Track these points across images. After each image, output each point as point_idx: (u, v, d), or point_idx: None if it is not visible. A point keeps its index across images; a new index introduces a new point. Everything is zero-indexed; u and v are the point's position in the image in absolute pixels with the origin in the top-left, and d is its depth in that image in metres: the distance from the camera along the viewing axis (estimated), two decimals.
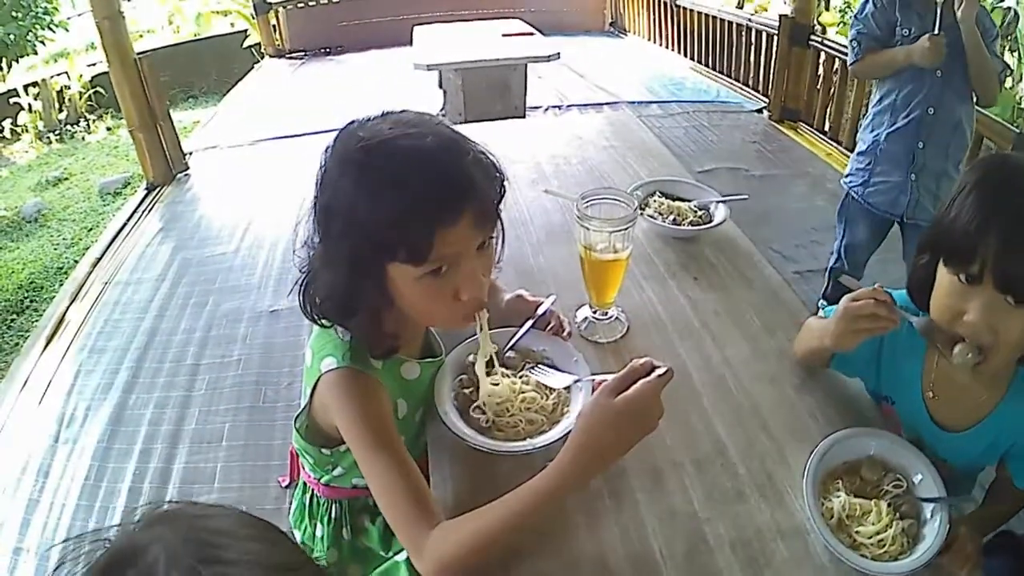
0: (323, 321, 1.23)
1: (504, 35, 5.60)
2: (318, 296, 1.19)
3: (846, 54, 3.04)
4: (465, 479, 1.27)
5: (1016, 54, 7.06)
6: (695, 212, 2.00)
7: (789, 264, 3.78)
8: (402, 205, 1.05)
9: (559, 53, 5.05)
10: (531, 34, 5.64)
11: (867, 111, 2.97)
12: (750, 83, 6.74)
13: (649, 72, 7.39)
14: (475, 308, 1.22)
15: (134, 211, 4.92)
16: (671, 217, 1.96)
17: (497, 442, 1.27)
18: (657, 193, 2.08)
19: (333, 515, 1.50)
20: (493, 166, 1.18)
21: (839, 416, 1.39)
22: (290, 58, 8.31)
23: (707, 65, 7.47)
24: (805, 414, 1.40)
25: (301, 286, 1.21)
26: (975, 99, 2.73)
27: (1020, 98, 6.88)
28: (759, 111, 6.26)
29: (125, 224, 4.77)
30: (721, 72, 7.21)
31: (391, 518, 1.12)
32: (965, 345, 1.18)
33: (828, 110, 5.59)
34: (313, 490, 1.52)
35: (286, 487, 2.37)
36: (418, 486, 1.13)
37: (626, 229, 1.46)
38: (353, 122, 1.15)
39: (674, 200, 2.05)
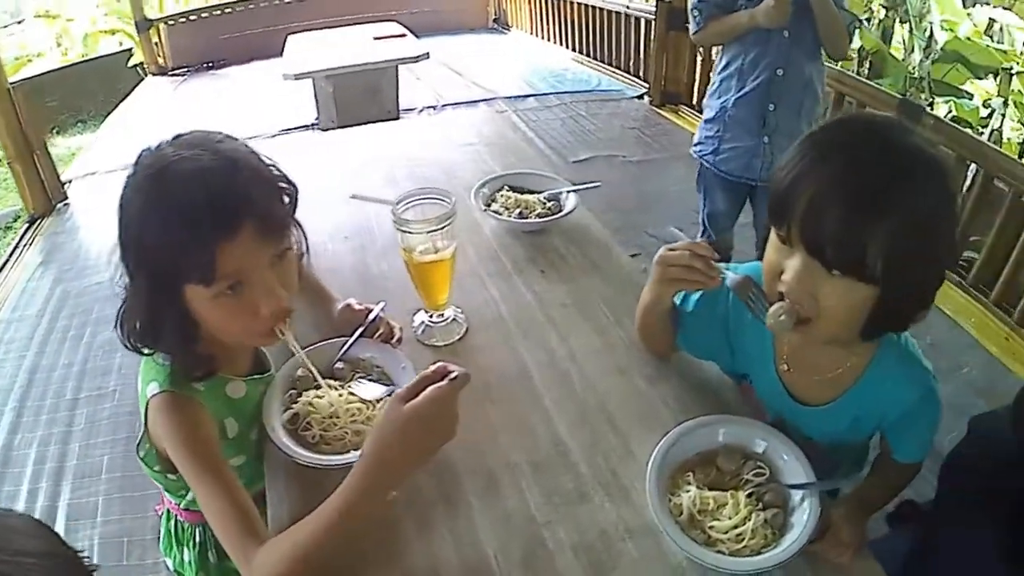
0: (142, 349, 1.21)
1: (376, 38, 5.59)
2: (127, 325, 1.18)
3: None
4: (299, 495, 1.23)
5: (907, 25, 7.31)
6: (543, 204, 1.97)
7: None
8: (181, 226, 1.05)
9: (428, 53, 5.07)
10: (403, 35, 5.65)
11: (712, 78, 2.92)
12: (631, 70, 6.85)
13: (530, 66, 7.45)
14: (278, 321, 1.19)
15: (16, 246, 4.78)
16: (517, 211, 1.93)
17: (324, 456, 1.24)
18: (505, 187, 2.04)
19: (198, 539, 1.50)
20: (278, 179, 1.19)
21: (696, 403, 1.37)
22: (173, 75, 8.09)
23: (589, 55, 7.57)
24: (658, 403, 1.38)
25: (118, 317, 1.19)
26: (824, 54, 2.71)
27: (912, 68, 7.11)
28: (640, 97, 6.35)
29: (7, 260, 4.62)
30: (603, 61, 7.31)
31: (222, 540, 1.12)
32: (779, 305, 1.11)
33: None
34: (176, 516, 1.51)
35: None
36: (244, 507, 1.12)
37: (444, 228, 1.42)
38: (145, 150, 1.13)
39: (523, 193, 2.01)
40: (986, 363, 3.28)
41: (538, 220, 1.91)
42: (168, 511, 1.54)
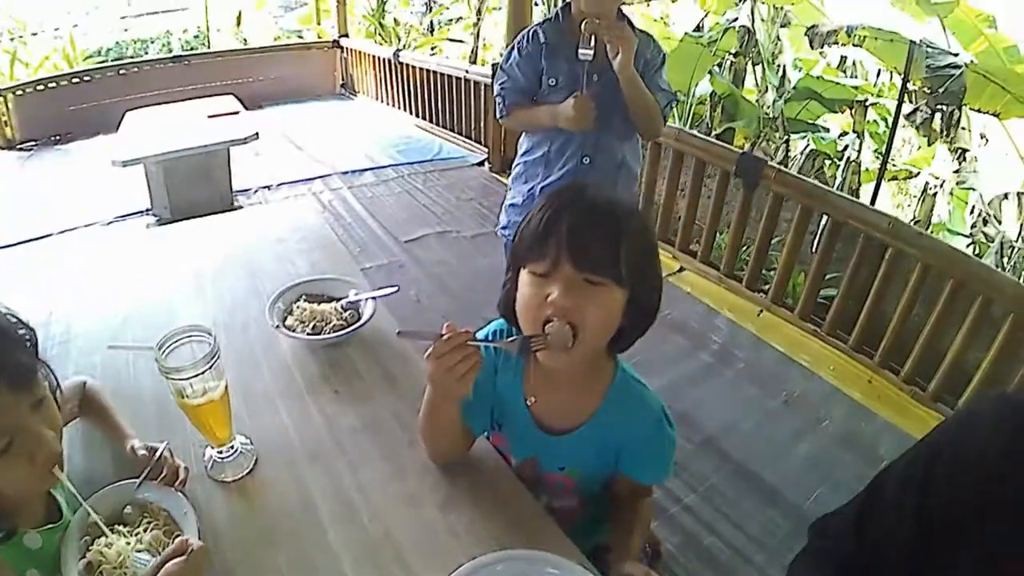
0: None
1: (210, 116, 5.53)
2: None
3: None
4: None
5: (760, 67, 7.64)
6: (339, 314, 1.96)
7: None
8: None
9: (258, 133, 5.08)
10: (236, 112, 5.61)
11: (515, 161, 2.85)
12: (473, 135, 6.97)
13: (373, 135, 7.55)
14: (51, 466, 1.19)
15: None
16: (312, 324, 1.91)
17: None
18: (302, 298, 2.02)
19: None
20: (16, 328, 1.19)
21: (488, 533, 1.37)
22: (20, 149, 7.80)
23: (432, 121, 7.70)
24: (448, 536, 1.37)
25: None
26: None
27: (766, 108, 7.41)
28: (480, 164, 6.48)
29: None
30: (445, 127, 7.44)
31: None
32: (555, 323, 1.29)
33: None
34: None
35: None
36: None
37: (207, 371, 1.39)
38: None
39: (320, 302, 2.00)
40: (847, 411, 3.40)
41: (331, 336, 1.89)
42: None
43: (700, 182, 4.48)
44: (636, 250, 1.31)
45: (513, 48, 2.65)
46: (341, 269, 2.29)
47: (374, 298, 1.99)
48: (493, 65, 6.09)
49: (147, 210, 5.28)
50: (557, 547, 1.33)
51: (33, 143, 7.86)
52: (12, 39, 11.14)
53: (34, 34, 11.62)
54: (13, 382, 1.11)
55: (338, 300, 2.01)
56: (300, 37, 11.88)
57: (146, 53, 13.96)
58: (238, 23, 12.18)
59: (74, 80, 8.24)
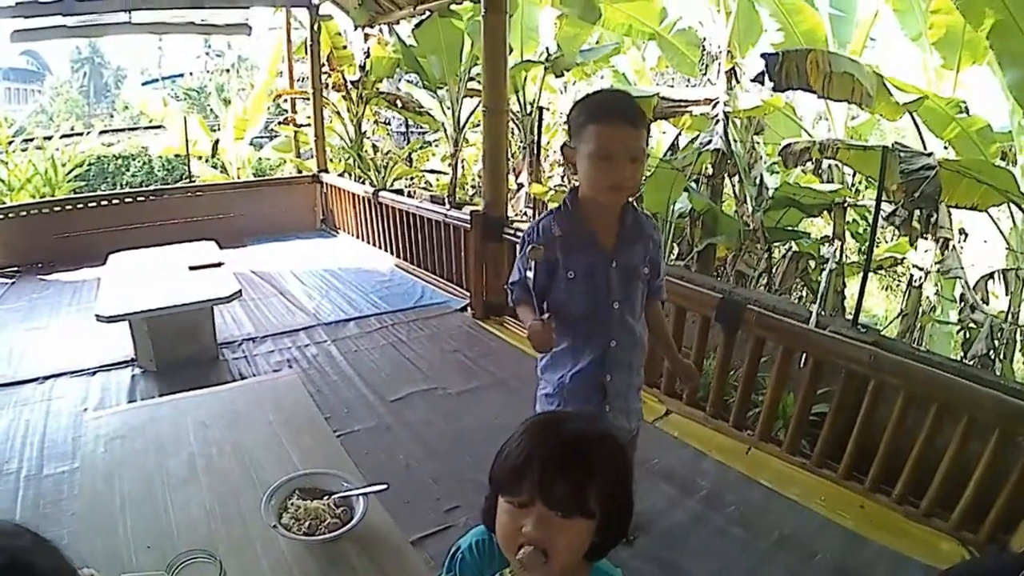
0: None
1: (191, 268, 5.75)
2: None
3: None
4: None
5: (736, 178, 7.90)
6: (333, 511, 2.10)
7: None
8: None
9: (241, 291, 5.27)
10: (220, 264, 5.81)
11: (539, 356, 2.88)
12: (454, 279, 7.09)
13: (355, 277, 7.77)
14: None
15: None
16: (308, 523, 2.04)
17: None
18: (295, 493, 2.16)
19: None
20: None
21: None
22: (2, 276, 7.97)
23: (413, 262, 7.88)
24: None
25: None
26: None
27: (746, 220, 7.64)
28: (463, 309, 6.62)
29: None
30: (426, 268, 7.59)
31: None
32: (526, 549, 1.43)
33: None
34: None
35: None
36: None
37: None
38: None
39: (313, 498, 2.14)
40: (841, 540, 3.46)
41: (328, 535, 2.01)
42: None
43: (681, 328, 4.61)
44: (607, 482, 1.46)
45: (524, 241, 2.69)
46: (330, 457, 2.44)
47: (365, 495, 2.13)
48: (472, 212, 6.31)
49: (132, 360, 5.41)
50: None
51: (16, 269, 8.10)
52: None
53: (24, 144, 12.01)
54: None
55: (331, 495, 2.15)
56: (281, 163, 12.20)
57: (127, 170, 14.30)
58: (213, 153, 12.49)
59: (56, 208, 8.58)
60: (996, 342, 5.90)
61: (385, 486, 2.19)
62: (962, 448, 3.42)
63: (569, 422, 1.57)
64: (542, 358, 2.80)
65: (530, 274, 2.57)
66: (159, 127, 14.85)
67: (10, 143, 11.90)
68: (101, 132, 16.92)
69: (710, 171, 7.77)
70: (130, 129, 18.93)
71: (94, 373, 5.34)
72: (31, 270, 8.14)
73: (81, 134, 15.77)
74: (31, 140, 12.27)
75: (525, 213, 9.32)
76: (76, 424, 4.37)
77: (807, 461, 4.05)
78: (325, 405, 4.60)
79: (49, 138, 12.89)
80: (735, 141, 7.82)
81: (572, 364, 2.68)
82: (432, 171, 12.18)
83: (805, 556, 3.37)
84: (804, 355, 4.11)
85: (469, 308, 6.54)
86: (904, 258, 7.70)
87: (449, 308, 6.71)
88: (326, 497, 2.14)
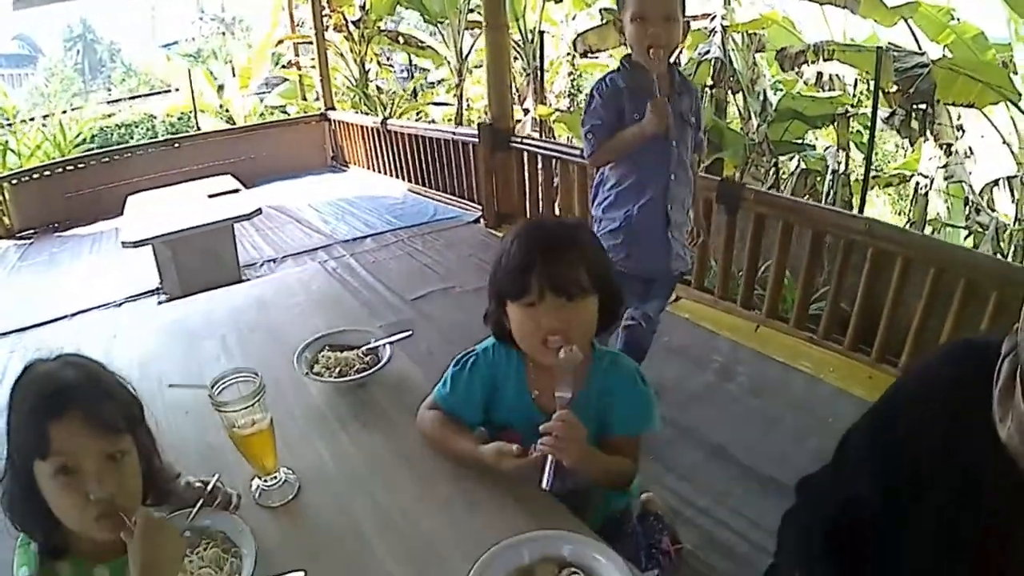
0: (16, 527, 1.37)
1: (210, 196, 5.84)
2: (4, 502, 1.35)
3: (550, 148, 3.21)
4: None
5: (740, 94, 7.91)
6: (362, 359, 2.21)
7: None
8: (22, 403, 1.31)
9: (260, 208, 5.35)
10: (237, 191, 5.91)
11: (599, 195, 3.23)
12: (465, 194, 7.24)
13: (369, 203, 7.83)
14: (106, 511, 1.31)
15: None
16: (338, 370, 2.16)
17: None
18: (326, 347, 2.26)
19: None
20: (117, 387, 1.42)
21: (521, 521, 1.58)
22: (19, 239, 8.09)
23: (425, 184, 7.98)
24: (482, 531, 1.56)
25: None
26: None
27: (751, 135, 7.66)
28: (476, 221, 6.74)
29: None
30: (438, 189, 7.72)
31: None
32: (564, 348, 1.59)
33: (540, 206, 6.17)
34: None
35: None
36: None
37: (255, 403, 1.65)
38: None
39: (342, 351, 2.25)
40: (852, 408, 3.47)
41: (356, 376, 2.13)
42: None
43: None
44: (596, 260, 1.67)
45: (593, 96, 3.05)
46: (357, 323, 2.53)
47: (391, 342, 2.24)
48: (479, 125, 6.43)
49: (158, 288, 5.52)
50: (570, 527, 1.54)
51: (32, 231, 8.19)
52: (2, 127, 11.51)
53: (23, 121, 11.95)
54: (87, 418, 1.29)
55: (359, 348, 2.26)
56: (285, 113, 12.24)
57: (131, 138, 14.32)
58: (220, 94, 12.49)
59: (68, 168, 8.62)
60: (1002, 244, 5.97)
61: (410, 332, 2.31)
62: (961, 313, 3.50)
63: (548, 220, 1.81)
64: (600, 200, 3.20)
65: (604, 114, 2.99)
66: (164, 91, 14.88)
67: (16, 114, 11.99)
68: (103, 103, 16.89)
69: (710, 83, 7.77)
70: (131, 98, 18.84)
71: (120, 304, 5.45)
72: (47, 231, 8.24)
73: (81, 108, 15.74)
74: (31, 120, 12.27)
75: (531, 137, 9.35)
76: (107, 351, 4.47)
77: (815, 335, 4.14)
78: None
79: (48, 116, 12.88)
80: (736, 56, 7.81)
81: (637, 198, 3.06)
82: (437, 103, 12.18)
83: (818, 420, 3.47)
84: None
85: (482, 219, 6.68)
86: (912, 175, 7.70)
87: (462, 221, 6.83)
88: (355, 350, 2.25)
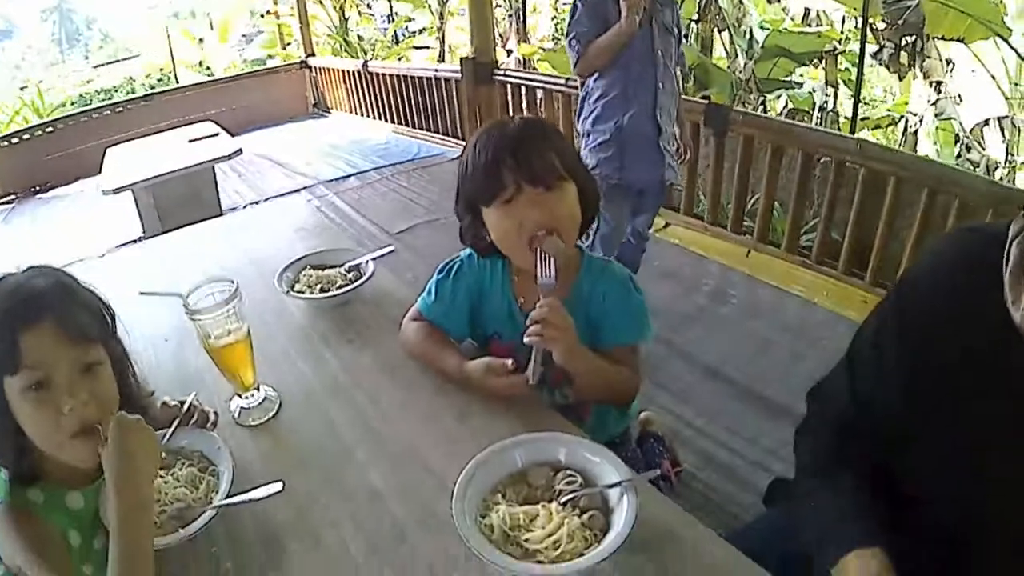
0: None
1: (191, 140, 5.74)
2: None
3: (533, 79, 3.22)
4: None
5: (727, 33, 7.80)
6: (344, 276, 2.13)
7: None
8: None
9: (241, 149, 5.26)
10: (216, 135, 5.81)
11: (586, 109, 3.25)
12: (449, 131, 7.18)
13: (352, 146, 7.76)
14: (81, 425, 1.26)
15: None
16: (319, 287, 2.09)
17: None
18: (308, 267, 2.19)
19: None
20: (87, 294, 1.34)
21: (509, 429, 1.50)
22: (1, 204, 7.97)
23: (409, 125, 7.90)
24: (469, 439, 1.51)
25: None
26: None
27: (737, 72, 7.57)
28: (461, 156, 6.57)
29: None
30: (422, 128, 7.64)
31: None
32: (548, 238, 1.54)
33: None
34: None
35: None
36: None
37: (229, 310, 1.58)
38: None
39: (324, 270, 2.17)
40: (846, 329, 3.34)
41: (339, 292, 2.06)
42: None
43: None
44: (566, 150, 1.62)
45: (576, 6, 3.10)
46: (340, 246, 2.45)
47: (374, 258, 2.16)
48: (462, 60, 6.32)
49: (140, 237, 5.42)
50: (564, 431, 1.47)
51: (13, 195, 8.03)
52: None
53: None
54: (60, 327, 1.23)
55: (340, 266, 2.18)
56: (265, 64, 12.07)
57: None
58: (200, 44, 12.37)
59: (48, 130, 8.46)
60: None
61: (392, 248, 2.24)
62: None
63: (507, 119, 1.70)
64: (587, 114, 3.23)
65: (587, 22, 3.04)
66: (138, 56, 14.74)
67: None
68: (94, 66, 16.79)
69: (696, 19, 7.66)
70: (111, 63, 18.68)
71: (103, 256, 5.36)
72: (29, 194, 8.11)
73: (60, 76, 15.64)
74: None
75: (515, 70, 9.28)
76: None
77: (808, 260, 4.09)
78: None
79: (24, 87, 12.73)
80: None
81: (626, 109, 3.10)
82: (418, 47, 12.03)
83: (811, 341, 3.45)
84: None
85: None
86: (902, 117, 7.62)
87: (446, 158, 6.73)
88: (337, 268, 2.18)
